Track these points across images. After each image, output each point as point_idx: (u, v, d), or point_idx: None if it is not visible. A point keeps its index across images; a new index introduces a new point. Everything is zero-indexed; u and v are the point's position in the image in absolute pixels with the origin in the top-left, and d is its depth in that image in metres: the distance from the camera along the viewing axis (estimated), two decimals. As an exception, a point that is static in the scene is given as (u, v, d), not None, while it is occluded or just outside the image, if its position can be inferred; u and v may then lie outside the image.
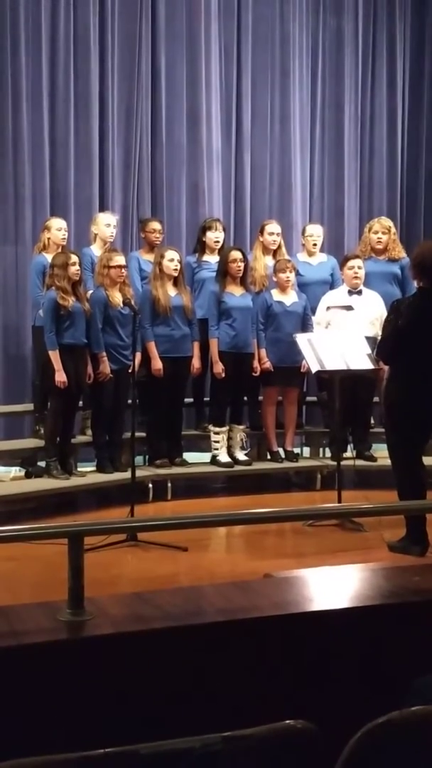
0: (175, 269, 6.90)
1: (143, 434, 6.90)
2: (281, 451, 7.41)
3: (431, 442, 5.57)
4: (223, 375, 7.00)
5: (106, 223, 7.27)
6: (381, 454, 6.79)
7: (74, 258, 6.51)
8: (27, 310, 7.57)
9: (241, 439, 7.31)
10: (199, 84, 8.74)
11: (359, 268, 7.22)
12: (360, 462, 7.02)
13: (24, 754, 1.44)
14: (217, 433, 7.16)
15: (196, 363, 7.10)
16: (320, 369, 6.20)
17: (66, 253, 6.65)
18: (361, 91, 9.63)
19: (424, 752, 1.56)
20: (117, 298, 6.57)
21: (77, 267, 6.48)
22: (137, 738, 1.51)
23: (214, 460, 7.18)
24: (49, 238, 7.03)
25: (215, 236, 7.47)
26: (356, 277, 7.19)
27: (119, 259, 6.65)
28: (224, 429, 7.16)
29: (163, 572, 4.93)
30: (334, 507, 5.42)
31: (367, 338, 6.36)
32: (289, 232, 8.58)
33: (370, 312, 7.08)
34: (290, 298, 7.26)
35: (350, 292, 7.21)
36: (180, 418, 7.27)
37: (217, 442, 7.15)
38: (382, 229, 7.72)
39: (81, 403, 6.93)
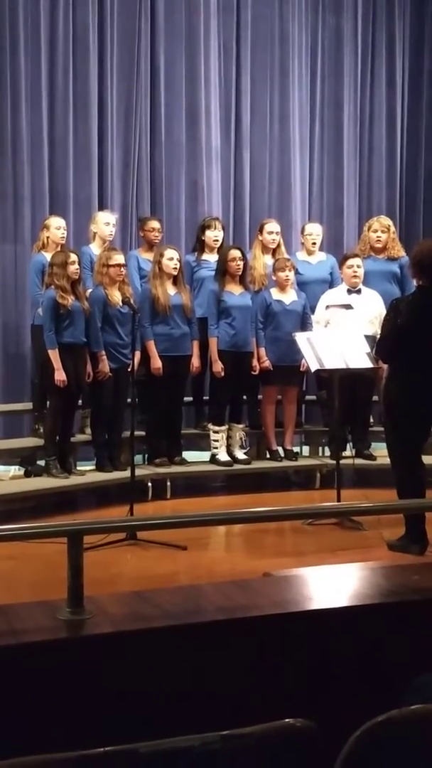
0: (175, 268, 6.90)
1: (142, 433, 6.90)
2: (280, 449, 7.41)
3: (430, 440, 5.57)
4: (223, 374, 7.00)
5: (105, 222, 7.27)
6: (380, 452, 6.79)
7: (73, 257, 6.50)
8: (26, 308, 7.57)
9: (241, 438, 7.30)
10: (198, 82, 8.74)
11: (358, 266, 7.22)
12: (359, 461, 7.02)
13: (24, 752, 1.44)
14: (216, 432, 7.15)
15: (195, 362, 7.10)
16: (319, 368, 6.20)
17: (65, 251, 6.65)
18: (360, 90, 9.63)
19: (423, 751, 1.56)
20: (116, 296, 6.56)
21: (76, 266, 6.48)
22: (137, 736, 1.51)
23: (213, 459, 7.18)
24: (48, 237, 7.03)
25: (214, 235, 7.47)
26: (355, 276, 7.19)
27: (118, 258, 6.65)
28: (223, 428, 7.16)
29: (163, 571, 4.93)
30: (333, 506, 5.42)
31: (367, 337, 6.36)
32: (289, 230, 8.58)
33: (370, 311, 7.08)
34: (289, 297, 7.26)
35: (349, 291, 7.21)
36: (179, 416, 7.27)
37: (217, 440, 7.15)
38: (382, 228, 7.72)
39: (80, 402, 6.93)
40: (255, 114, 9.11)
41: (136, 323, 6.11)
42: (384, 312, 5.95)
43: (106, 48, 8.32)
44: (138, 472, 6.21)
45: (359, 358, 6.09)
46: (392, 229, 7.81)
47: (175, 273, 6.91)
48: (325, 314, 7.11)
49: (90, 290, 6.77)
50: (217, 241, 7.47)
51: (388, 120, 9.70)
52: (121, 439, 6.82)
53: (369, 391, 7.10)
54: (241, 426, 7.30)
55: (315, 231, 7.88)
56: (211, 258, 7.40)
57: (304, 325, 7.17)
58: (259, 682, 2.60)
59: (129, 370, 6.39)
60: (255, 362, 7.18)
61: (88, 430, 7.00)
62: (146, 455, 7.13)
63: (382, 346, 5.38)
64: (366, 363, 6.10)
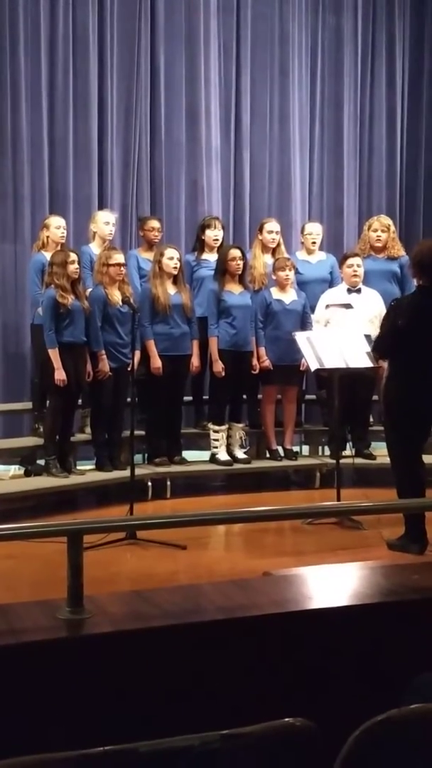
0: (175, 267, 6.90)
1: (142, 432, 6.90)
2: (280, 449, 7.41)
3: (430, 440, 5.57)
4: (223, 374, 7.00)
5: (105, 221, 7.27)
6: (380, 452, 6.79)
7: (73, 256, 6.50)
8: (26, 308, 7.57)
9: (241, 438, 7.30)
10: (198, 82, 8.74)
11: (358, 266, 7.22)
12: (359, 460, 7.02)
13: (23, 752, 1.44)
14: (216, 432, 7.15)
15: (195, 361, 7.10)
16: (319, 367, 6.20)
17: (65, 251, 6.65)
18: (360, 90, 9.63)
19: (422, 750, 1.56)
20: (116, 296, 6.56)
21: (76, 265, 6.48)
22: (136, 736, 1.51)
23: (213, 459, 7.18)
24: (48, 237, 7.02)
25: (214, 234, 7.47)
26: (355, 276, 7.19)
27: (118, 257, 6.65)
28: (223, 427, 7.16)
29: (163, 570, 4.93)
30: (333, 505, 5.42)
31: (367, 336, 6.35)
32: (289, 230, 8.58)
33: (370, 310, 7.07)
34: (289, 297, 7.26)
35: (349, 291, 7.21)
36: (179, 416, 7.27)
37: (217, 440, 7.15)
38: (382, 228, 7.72)
39: (80, 401, 6.93)
40: (255, 114, 9.11)
41: (135, 323, 6.11)
42: (384, 311, 5.96)
43: (106, 48, 8.32)
44: (138, 471, 6.21)
45: (359, 357, 6.09)
46: (392, 228, 7.81)
47: (175, 272, 6.91)
48: (325, 314, 7.11)
49: (90, 290, 6.77)
50: (217, 240, 7.46)
51: (388, 120, 9.70)
52: (120, 439, 6.82)
53: (369, 390, 7.10)
54: (240, 425, 7.30)
55: (315, 230, 7.88)
56: (211, 257, 7.40)
57: (304, 324, 7.17)
58: (258, 681, 2.60)
59: (129, 369, 6.39)
60: (255, 362, 7.19)
61: (88, 430, 7.00)
62: (146, 455, 7.13)
63: (380, 343, 5.39)
64: (366, 362, 6.09)
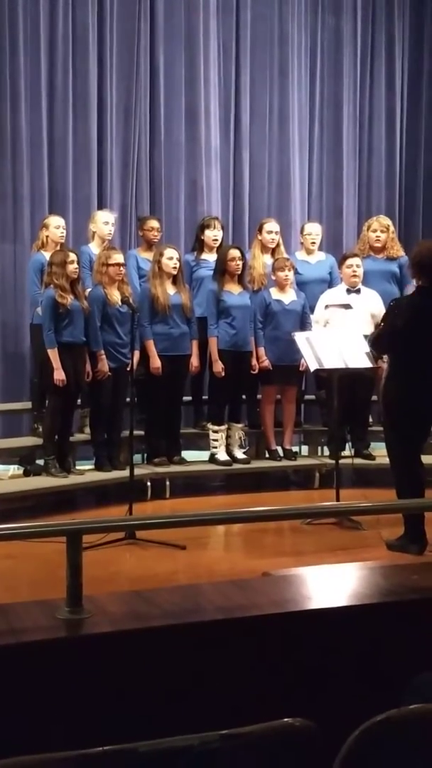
0: (174, 267, 6.90)
1: (142, 432, 6.90)
2: (280, 449, 7.41)
3: (430, 440, 5.57)
4: (223, 374, 6.99)
5: (105, 221, 7.27)
6: (379, 452, 6.79)
7: (72, 256, 6.50)
8: (25, 308, 7.56)
9: (240, 438, 7.30)
10: (197, 82, 8.74)
11: (358, 266, 7.22)
12: (358, 460, 7.03)
13: (23, 752, 1.44)
14: (215, 432, 7.15)
15: (194, 361, 7.10)
16: (319, 367, 6.20)
17: (64, 251, 6.64)
18: (359, 91, 9.63)
19: (422, 750, 1.56)
20: (115, 296, 6.56)
21: (75, 265, 6.48)
22: (136, 736, 1.52)
23: (212, 459, 7.18)
24: (47, 236, 7.02)
25: (214, 234, 7.47)
26: (355, 276, 7.19)
27: (118, 257, 6.65)
28: (223, 427, 7.16)
29: (162, 570, 4.93)
30: (332, 505, 5.42)
31: (366, 337, 6.35)
32: (288, 230, 8.59)
33: (369, 310, 7.07)
34: (289, 297, 7.26)
35: (349, 291, 7.21)
36: (178, 416, 7.27)
37: (216, 440, 7.15)
38: (381, 228, 7.72)
39: (79, 401, 6.92)
40: (254, 114, 9.11)
41: (135, 322, 6.11)
42: (383, 312, 5.96)
43: (105, 48, 8.32)
44: (137, 471, 6.21)
45: (358, 357, 6.09)
46: (391, 228, 7.82)
47: (175, 272, 6.91)
48: (325, 314, 7.11)
49: (89, 289, 6.77)
50: (216, 240, 7.46)
51: (388, 120, 9.70)
52: (120, 439, 6.82)
53: (368, 390, 7.10)
54: (240, 425, 7.30)
55: (314, 231, 7.88)
56: (210, 257, 7.39)
57: (304, 324, 7.17)
58: (258, 681, 2.60)
59: (128, 369, 6.39)
60: (254, 362, 7.19)
61: (87, 430, 7.00)
62: (145, 455, 7.13)
63: (377, 342, 5.40)
64: (365, 363, 6.10)
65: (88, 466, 6.91)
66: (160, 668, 2.53)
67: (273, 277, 7.28)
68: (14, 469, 7.06)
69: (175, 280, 6.94)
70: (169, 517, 5.09)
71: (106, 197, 8.31)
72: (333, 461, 6.47)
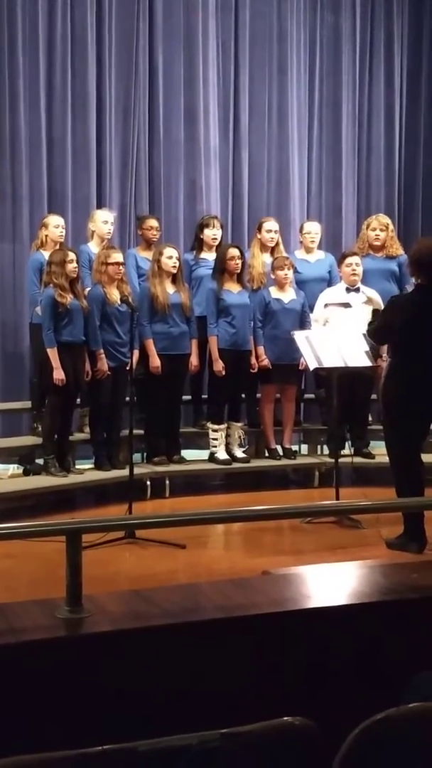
0: (174, 266, 6.89)
1: (141, 432, 6.90)
2: (279, 448, 7.41)
3: (429, 438, 5.57)
4: (224, 373, 6.99)
5: (104, 220, 7.26)
6: (379, 451, 6.79)
7: (72, 255, 6.49)
8: (25, 307, 7.56)
9: (239, 437, 7.30)
10: (196, 81, 8.73)
11: (357, 265, 7.21)
12: (358, 459, 7.03)
13: (22, 751, 1.44)
14: (215, 431, 7.15)
15: (194, 360, 7.10)
16: (318, 366, 6.20)
17: (63, 250, 6.63)
18: (358, 89, 9.63)
19: (421, 749, 1.56)
20: (114, 295, 6.56)
21: (75, 264, 6.47)
22: (135, 735, 1.52)
23: (212, 458, 7.18)
24: (46, 236, 7.02)
25: (213, 233, 7.47)
26: (354, 274, 7.19)
27: (117, 256, 6.64)
28: (222, 426, 7.16)
29: (161, 569, 4.93)
30: (332, 504, 5.42)
31: (365, 335, 6.35)
32: (287, 229, 8.58)
33: (368, 309, 7.07)
34: (288, 296, 7.26)
35: (348, 290, 7.20)
36: (178, 415, 7.27)
37: (216, 439, 7.15)
38: (380, 226, 7.72)
39: (79, 400, 6.92)
40: (253, 113, 9.11)
41: (134, 322, 6.11)
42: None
43: (104, 48, 8.32)
44: (137, 470, 6.21)
45: (358, 356, 6.09)
46: (391, 227, 7.81)
47: (174, 271, 6.91)
48: (324, 313, 7.10)
49: (88, 289, 6.77)
50: (215, 239, 7.46)
51: (387, 118, 9.70)
52: (119, 438, 6.82)
53: (368, 389, 7.10)
54: (239, 424, 7.30)
55: (313, 229, 7.87)
56: (210, 256, 7.39)
57: (303, 323, 7.17)
58: (257, 680, 2.60)
59: (127, 368, 6.39)
60: (253, 360, 7.19)
61: (87, 429, 7.00)
62: (145, 454, 7.13)
63: (374, 334, 5.42)
64: (364, 361, 6.10)
65: (87, 465, 6.91)
66: (160, 667, 2.53)
67: (272, 276, 7.28)
68: (14, 468, 7.06)
69: (174, 279, 6.94)
70: (169, 516, 5.09)
71: (105, 197, 8.31)
72: (332, 460, 6.47)
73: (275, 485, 7.48)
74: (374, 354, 6.09)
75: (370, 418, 7.50)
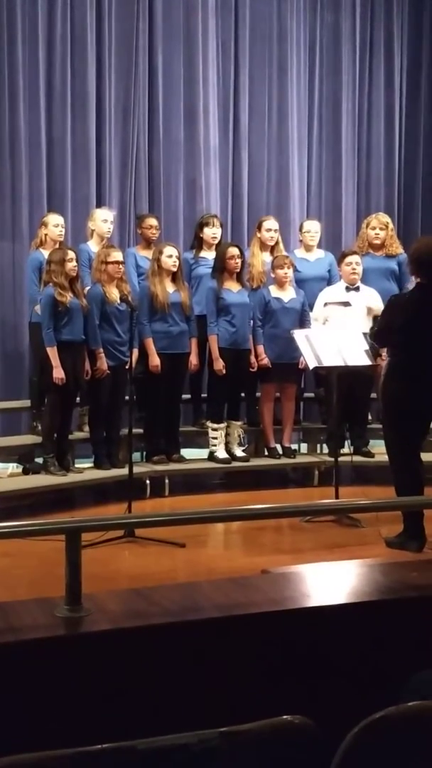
0: (174, 265, 6.89)
1: (141, 431, 6.90)
2: (279, 447, 7.41)
3: (429, 437, 5.57)
4: (224, 371, 6.99)
5: (103, 219, 7.26)
6: (378, 450, 6.79)
7: (71, 254, 6.49)
8: (24, 306, 7.56)
9: (239, 436, 7.30)
10: (196, 81, 8.73)
11: (357, 264, 7.21)
12: (357, 458, 7.03)
13: (22, 749, 1.44)
14: (214, 430, 7.15)
15: (193, 359, 7.10)
16: (318, 365, 6.20)
17: (63, 249, 6.63)
18: (358, 88, 9.63)
19: (420, 747, 1.56)
20: (114, 294, 6.56)
21: (74, 263, 6.47)
22: (135, 733, 1.52)
23: (211, 457, 7.18)
24: (46, 235, 7.01)
25: (212, 232, 7.46)
26: (354, 273, 7.18)
27: (117, 255, 6.64)
28: (222, 425, 7.16)
29: (161, 568, 4.93)
30: (331, 503, 5.42)
31: (365, 334, 6.35)
32: (287, 228, 8.58)
33: (367, 307, 7.07)
34: (288, 295, 7.26)
35: (348, 288, 7.20)
36: (178, 414, 7.27)
37: (215, 438, 7.15)
38: (380, 225, 7.71)
39: (78, 399, 6.92)
40: (253, 112, 9.11)
41: (134, 321, 6.10)
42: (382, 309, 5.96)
43: (104, 47, 8.32)
44: (136, 469, 6.20)
45: (357, 355, 6.09)
46: (390, 226, 7.80)
47: (174, 270, 6.91)
48: (324, 311, 7.11)
49: (88, 288, 6.76)
50: (215, 238, 7.46)
51: (387, 117, 9.69)
52: (119, 437, 6.82)
53: (367, 388, 7.10)
54: (239, 423, 7.30)
55: (313, 228, 7.87)
56: (209, 255, 7.39)
57: (303, 322, 7.17)
58: (256, 679, 2.60)
59: (127, 367, 6.39)
60: (253, 359, 7.19)
61: (86, 428, 7.00)
62: (144, 453, 7.13)
63: (377, 336, 5.41)
64: (364, 360, 6.10)
65: (87, 464, 6.91)
66: (159, 666, 2.53)
67: (272, 275, 7.28)
68: (13, 467, 7.06)
69: (174, 278, 6.93)
70: (168, 515, 5.10)
71: (104, 196, 8.30)
72: (332, 459, 6.47)
73: (275, 484, 7.47)
74: (374, 353, 6.09)
75: (369, 417, 7.50)
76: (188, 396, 7.49)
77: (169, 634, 2.60)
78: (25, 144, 7.91)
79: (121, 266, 6.62)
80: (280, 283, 7.22)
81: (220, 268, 7.07)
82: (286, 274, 7.18)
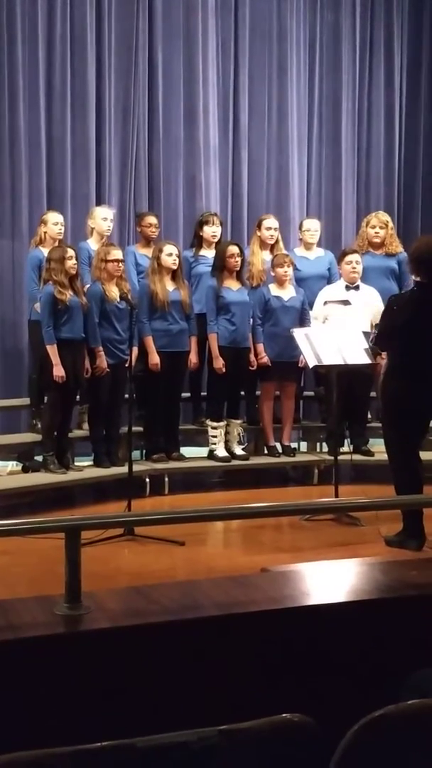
0: (174, 263, 6.89)
1: (140, 429, 6.90)
2: (278, 445, 7.41)
3: (428, 436, 5.56)
4: (224, 370, 6.99)
5: (103, 217, 7.25)
6: (378, 448, 6.79)
7: (71, 252, 6.49)
8: (24, 304, 7.56)
9: (239, 434, 7.30)
10: (196, 80, 8.73)
11: (357, 263, 7.20)
12: (357, 457, 7.04)
13: (22, 747, 1.44)
14: (214, 428, 7.15)
15: (193, 358, 7.10)
16: (317, 364, 6.20)
17: (62, 247, 6.63)
18: (358, 87, 9.63)
19: (420, 746, 1.56)
20: (113, 292, 6.55)
21: (74, 261, 6.47)
22: (134, 731, 1.52)
23: (211, 455, 7.18)
24: (45, 233, 7.01)
25: (212, 231, 7.46)
26: (354, 272, 7.18)
27: (116, 254, 6.64)
28: (221, 424, 7.16)
29: (160, 566, 4.93)
30: (331, 501, 5.42)
31: (365, 333, 6.34)
32: (287, 226, 8.58)
33: (367, 307, 7.07)
34: (288, 293, 7.26)
35: (347, 287, 7.20)
36: (177, 412, 7.27)
37: (215, 436, 7.15)
38: (380, 224, 7.71)
39: (78, 397, 6.92)
40: (253, 111, 9.11)
41: (133, 319, 6.10)
42: (382, 308, 5.95)
43: (104, 47, 8.32)
44: (136, 467, 6.21)
45: (357, 354, 6.08)
46: (390, 225, 7.80)
47: (174, 268, 6.90)
48: (324, 310, 7.11)
49: (88, 286, 6.76)
50: (215, 236, 7.46)
51: (387, 116, 9.70)
52: (118, 435, 6.82)
53: (367, 387, 7.11)
54: (239, 422, 7.30)
55: (313, 226, 7.86)
56: (209, 254, 7.38)
57: (303, 321, 7.17)
58: (256, 677, 2.60)
59: (127, 365, 6.39)
60: (252, 358, 7.19)
61: (86, 426, 7.00)
62: (144, 451, 7.13)
63: (379, 339, 5.40)
64: (364, 359, 6.09)
65: (86, 462, 6.91)
66: (159, 664, 2.53)
67: (272, 274, 7.27)
68: (13, 465, 7.06)
69: (174, 276, 6.93)
70: (168, 513, 5.09)
71: (104, 194, 8.31)
72: (332, 457, 6.46)
73: (274, 482, 7.47)
74: (374, 352, 6.09)
75: (369, 416, 7.50)
76: (188, 394, 7.49)
77: (169, 633, 2.60)
78: (25, 143, 7.91)
79: (120, 264, 6.62)
80: (280, 282, 7.22)
81: (220, 266, 7.07)
82: (286, 272, 7.18)
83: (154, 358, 6.82)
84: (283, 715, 1.55)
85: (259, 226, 7.61)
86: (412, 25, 9.84)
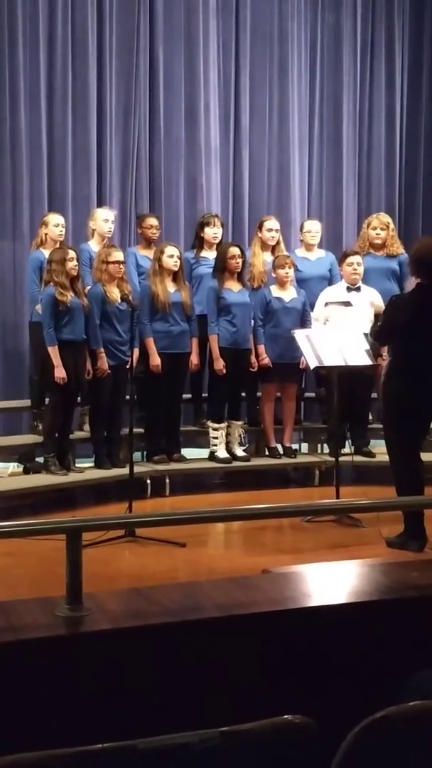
0: (175, 265, 6.89)
1: (141, 430, 6.90)
2: (279, 447, 7.41)
3: (429, 437, 5.56)
4: (225, 371, 6.99)
5: (104, 219, 7.26)
6: (379, 450, 6.79)
7: (72, 253, 6.49)
8: (25, 306, 7.56)
9: (240, 435, 7.31)
10: (197, 80, 8.73)
11: (358, 264, 7.20)
12: (358, 458, 7.04)
13: (23, 748, 1.44)
14: (215, 429, 7.15)
15: (194, 359, 7.10)
16: (318, 365, 6.20)
17: (63, 248, 6.63)
18: (359, 88, 9.63)
19: (421, 747, 1.56)
20: (114, 293, 6.56)
21: (75, 262, 6.47)
22: (135, 733, 1.52)
23: (212, 456, 7.18)
24: (46, 234, 7.01)
25: (213, 232, 7.46)
26: (355, 273, 7.18)
27: (118, 255, 6.64)
28: (222, 425, 7.16)
29: (161, 568, 4.93)
30: (332, 503, 5.42)
31: (366, 334, 6.35)
32: (288, 228, 8.58)
33: (368, 308, 7.07)
34: (289, 294, 7.26)
35: (349, 288, 7.20)
36: (178, 414, 7.27)
37: (216, 438, 7.15)
38: (381, 225, 7.71)
39: (79, 398, 6.92)
40: (254, 112, 9.11)
41: (134, 320, 6.11)
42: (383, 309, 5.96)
43: (105, 48, 8.32)
44: (137, 469, 6.20)
45: (358, 355, 6.09)
46: (391, 226, 7.80)
47: (176, 270, 6.91)
48: (324, 311, 7.11)
49: (89, 287, 6.77)
50: (216, 237, 7.46)
51: (387, 117, 9.70)
52: (119, 437, 6.83)
53: (368, 388, 7.11)
54: (240, 423, 7.30)
55: (314, 228, 7.86)
56: (210, 255, 7.39)
57: (304, 322, 7.17)
58: (257, 678, 2.60)
59: (128, 367, 6.39)
60: (253, 359, 7.19)
61: (87, 427, 7.00)
62: (145, 452, 7.13)
63: (378, 335, 5.41)
64: (365, 360, 6.10)
65: (87, 463, 6.91)
66: (160, 665, 2.53)
67: (273, 275, 7.28)
68: (14, 466, 7.06)
69: (175, 277, 6.94)
70: (169, 514, 5.09)
71: (105, 195, 8.31)
72: (333, 459, 6.47)
73: (275, 484, 7.47)
74: (374, 353, 6.09)
75: (370, 417, 7.50)
76: (189, 396, 7.49)
77: (170, 634, 2.60)
78: (26, 145, 7.92)
79: (121, 266, 6.62)
80: (281, 283, 7.22)
81: (221, 267, 7.07)
82: (287, 273, 7.18)
83: (155, 360, 6.82)
84: (285, 716, 1.55)
85: (260, 228, 7.61)
86: (413, 27, 9.84)
